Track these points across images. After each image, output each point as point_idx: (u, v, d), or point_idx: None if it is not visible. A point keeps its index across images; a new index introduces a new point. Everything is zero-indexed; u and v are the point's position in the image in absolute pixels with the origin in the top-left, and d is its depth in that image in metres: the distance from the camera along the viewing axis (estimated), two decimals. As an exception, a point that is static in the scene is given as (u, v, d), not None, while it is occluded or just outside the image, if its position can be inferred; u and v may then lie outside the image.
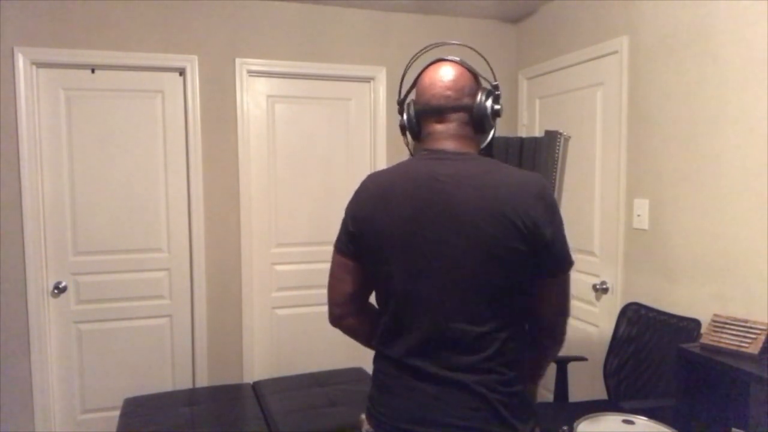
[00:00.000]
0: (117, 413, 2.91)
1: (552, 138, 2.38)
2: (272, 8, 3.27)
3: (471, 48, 1.46)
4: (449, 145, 1.30)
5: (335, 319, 1.42)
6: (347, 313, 1.40)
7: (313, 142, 3.43)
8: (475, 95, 1.31)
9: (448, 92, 1.30)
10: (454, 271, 1.21)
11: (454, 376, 1.23)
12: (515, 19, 3.67)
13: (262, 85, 3.32)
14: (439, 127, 1.32)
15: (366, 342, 1.45)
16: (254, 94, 3.31)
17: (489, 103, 1.31)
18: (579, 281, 3.12)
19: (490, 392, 1.22)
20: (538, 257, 1.21)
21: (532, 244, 1.19)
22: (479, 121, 1.31)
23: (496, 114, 1.34)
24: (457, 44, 1.52)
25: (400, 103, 1.40)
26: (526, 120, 3.63)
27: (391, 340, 1.30)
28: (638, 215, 2.71)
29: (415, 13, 3.51)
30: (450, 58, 1.34)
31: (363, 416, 1.37)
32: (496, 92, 1.34)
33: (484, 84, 1.37)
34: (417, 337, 1.26)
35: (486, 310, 1.22)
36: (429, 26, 3.53)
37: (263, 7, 3.25)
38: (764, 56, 2.09)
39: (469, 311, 1.22)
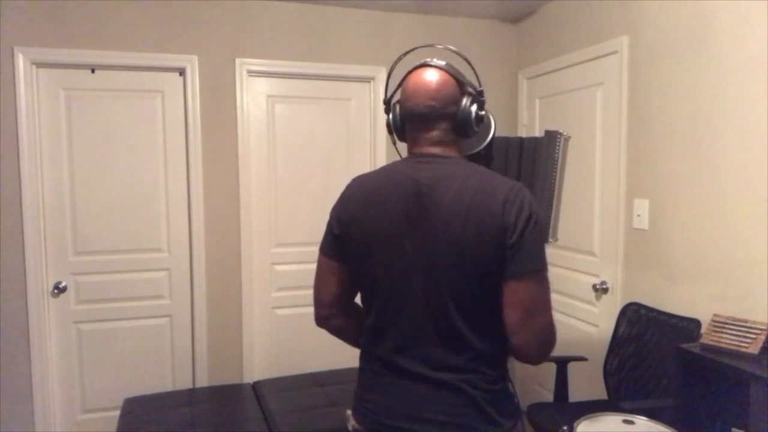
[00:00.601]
0: (117, 413, 2.91)
1: (552, 138, 2.38)
2: (272, 8, 3.26)
3: (457, 53, 1.44)
4: (434, 150, 1.32)
5: (322, 320, 1.44)
6: (334, 313, 1.42)
7: (313, 142, 3.43)
8: (459, 102, 1.30)
9: (432, 102, 1.29)
10: (435, 274, 1.23)
11: (440, 375, 1.25)
12: (515, 19, 3.67)
13: (262, 85, 3.32)
14: (422, 134, 1.32)
15: (353, 342, 1.47)
16: (254, 94, 3.31)
17: (473, 108, 1.31)
18: (579, 281, 3.12)
19: (475, 390, 1.24)
20: (507, 258, 1.19)
21: (506, 247, 1.19)
22: (462, 128, 1.32)
23: (480, 120, 1.33)
24: (442, 47, 1.49)
25: (386, 103, 1.41)
26: (526, 120, 3.63)
27: (377, 340, 1.33)
28: (638, 215, 2.71)
29: (415, 13, 3.51)
30: (435, 63, 1.32)
31: (349, 412, 1.40)
32: (481, 98, 1.33)
33: (470, 89, 1.35)
34: (402, 337, 1.28)
35: (467, 310, 1.23)
36: (429, 26, 3.53)
37: (263, 7, 3.25)
38: (764, 56, 2.09)
39: (450, 311, 1.23)
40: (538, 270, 1.21)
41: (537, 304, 1.21)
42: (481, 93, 1.34)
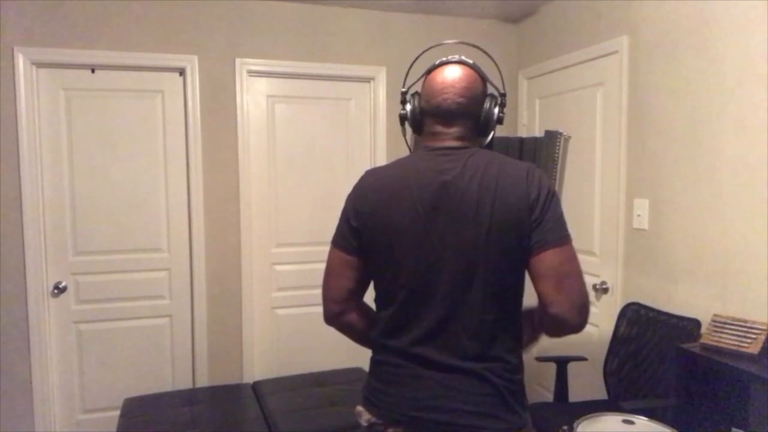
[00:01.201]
0: (117, 413, 2.91)
1: (552, 138, 2.38)
2: (272, 8, 3.26)
3: (486, 53, 1.45)
4: (453, 144, 1.33)
5: (333, 317, 1.41)
6: (346, 309, 1.40)
7: (313, 142, 3.43)
8: (483, 102, 1.33)
9: (461, 99, 1.31)
10: (462, 263, 1.24)
11: (463, 364, 1.26)
12: (515, 19, 3.67)
13: (262, 85, 3.32)
14: (442, 128, 1.34)
15: (361, 338, 1.45)
16: (254, 94, 3.31)
17: (496, 110, 1.34)
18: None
19: (499, 379, 1.26)
20: (533, 232, 1.23)
21: (531, 227, 1.22)
22: (484, 127, 1.34)
23: (500, 121, 1.36)
24: (471, 45, 1.51)
25: (404, 94, 1.41)
26: (526, 120, 3.63)
27: (396, 332, 1.32)
28: (638, 215, 2.70)
29: (415, 13, 3.51)
30: (465, 60, 1.34)
31: (360, 408, 1.38)
32: (503, 100, 1.36)
33: (491, 89, 1.39)
34: (425, 327, 1.28)
35: (493, 298, 1.25)
36: (429, 26, 3.53)
37: (263, 7, 3.25)
38: (764, 56, 2.09)
39: (477, 300, 1.25)
40: (563, 236, 1.24)
41: (568, 269, 1.22)
42: (504, 95, 1.37)
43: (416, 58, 1.47)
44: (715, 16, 2.29)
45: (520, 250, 1.24)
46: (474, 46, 1.53)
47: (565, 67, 3.22)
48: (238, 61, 3.22)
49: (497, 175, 1.24)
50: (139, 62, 3.06)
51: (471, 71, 1.33)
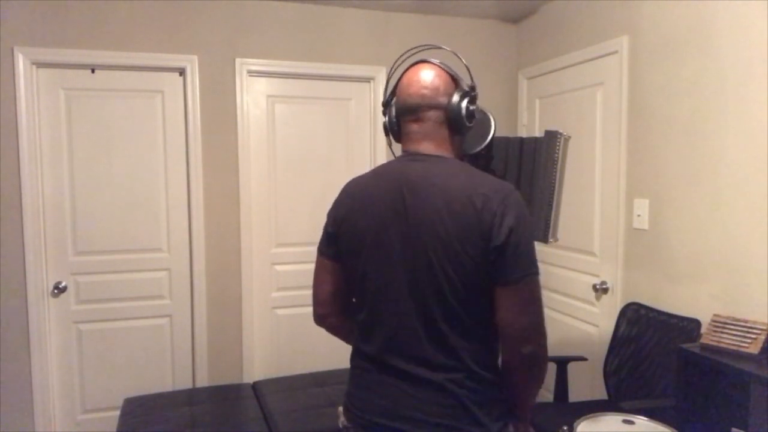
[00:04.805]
0: (117, 413, 2.91)
1: (552, 138, 2.38)
2: (272, 8, 3.26)
3: (451, 51, 1.49)
4: (425, 147, 1.33)
5: (319, 318, 1.48)
6: (330, 312, 1.45)
7: (313, 142, 3.43)
8: (451, 95, 1.33)
9: (424, 91, 1.32)
10: (422, 272, 1.24)
11: (426, 373, 1.26)
12: (515, 19, 3.67)
13: (262, 85, 3.32)
14: (414, 127, 1.34)
15: (348, 340, 1.49)
16: (254, 94, 3.31)
17: (464, 103, 1.33)
18: (579, 281, 3.12)
19: (461, 389, 1.24)
20: (497, 262, 1.19)
21: (493, 249, 1.19)
22: (454, 121, 1.33)
23: (471, 115, 1.35)
24: (433, 47, 1.52)
25: (384, 105, 1.43)
26: (526, 120, 3.63)
27: (367, 337, 1.34)
28: (638, 215, 2.71)
29: (415, 13, 3.51)
30: (429, 59, 1.37)
31: (340, 409, 1.42)
32: (472, 93, 1.35)
33: (464, 86, 1.39)
34: (389, 333, 1.29)
35: (455, 308, 1.23)
36: (429, 26, 3.53)
37: (263, 7, 3.25)
38: (764, 56, 2.09)
39: (438, 310, 1.24)
40: (526, 274, 1.21)
41: (523, 308, 1.21)
42: (473, 88, 1.36)
43: (391, 73, 1.48)
44: (715, 16, 2.29)
45: (475, 267, 1.20)
46: (439, 47, 1.54)
47: (565, 67, 3.22)
48: (238, 61, 3.22)
49: (458, 188, 1.22)
50: (139, 62, 3.06)
51: (435, 67, 1.35)
